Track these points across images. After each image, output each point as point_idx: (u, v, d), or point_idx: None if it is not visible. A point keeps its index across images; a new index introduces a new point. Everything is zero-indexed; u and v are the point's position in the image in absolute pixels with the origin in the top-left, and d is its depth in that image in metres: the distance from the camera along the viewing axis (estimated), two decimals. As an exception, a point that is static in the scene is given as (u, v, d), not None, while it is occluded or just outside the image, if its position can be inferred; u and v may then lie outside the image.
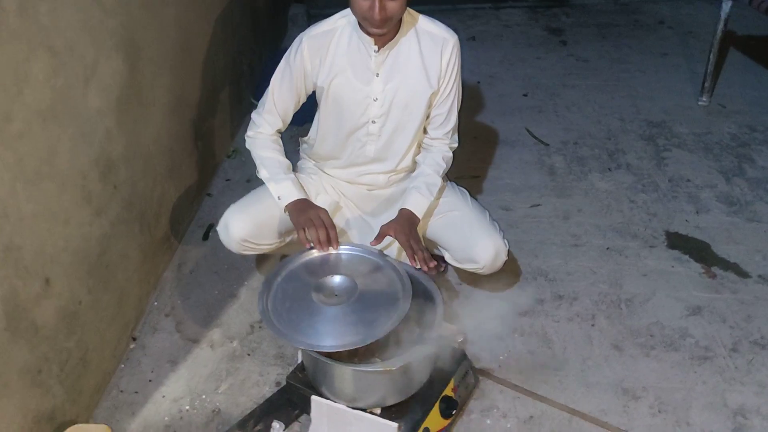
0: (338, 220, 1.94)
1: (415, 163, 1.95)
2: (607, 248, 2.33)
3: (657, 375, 1.85)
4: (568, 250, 2.33)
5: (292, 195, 1.77)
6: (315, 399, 1.59)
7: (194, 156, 2.43)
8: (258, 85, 3.15)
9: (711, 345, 1.93)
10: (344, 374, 1.51)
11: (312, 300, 1.55)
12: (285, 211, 1.77)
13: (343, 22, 1.78)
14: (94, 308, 1.72)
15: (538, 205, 2.57)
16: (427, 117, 1.89)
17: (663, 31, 3.99)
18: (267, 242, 1.86)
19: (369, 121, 1.84)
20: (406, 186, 1.89)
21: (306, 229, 1.69)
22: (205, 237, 2.41)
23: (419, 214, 1.81)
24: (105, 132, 1.74)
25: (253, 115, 1.89)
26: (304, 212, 1.73)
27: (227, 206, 1.86)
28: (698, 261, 2.26)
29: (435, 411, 1.61)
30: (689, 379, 1.83)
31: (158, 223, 2.14)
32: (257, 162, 1.85)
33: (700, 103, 3.21)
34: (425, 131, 1.93)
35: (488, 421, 1.73)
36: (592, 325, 2.01)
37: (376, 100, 1.80)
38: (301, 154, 2.10)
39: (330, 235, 1.68)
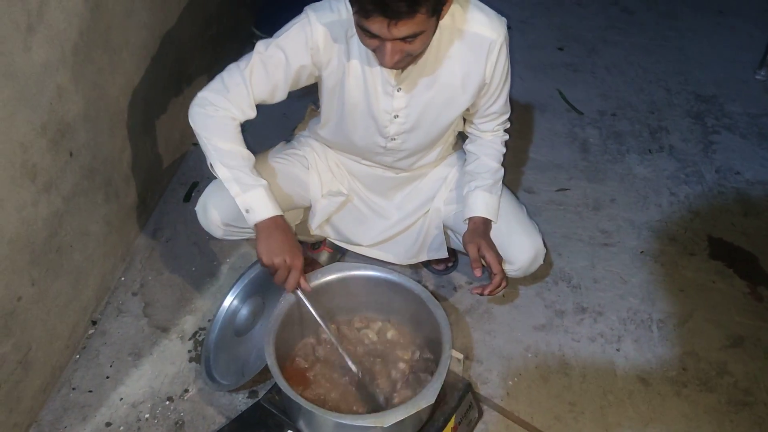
0: (343, 212, 1.69)
1: (447, 152, 1.66)
2: (641, 252, 2.05)
3: (687, 421, 1.60)
4: (597, 250, 2.04)
5: (265, 211, 1.35)
6: (292, 436, 1.36)
7: (176, 103, 2.08)
8: (262, 11, 2.76)
9: (751, 388, 1.68)
10: (325, 422, 1.26)
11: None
12: (252, 228, 1.38)
13: (349, 17, 1.31)
14: (39, 301, 1.45)
15: (566, 189, 2.26)
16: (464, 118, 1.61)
17: (721, -17, 3.55)
18: None
19: (388, 138, 1.51)
20: (465, 182, 1.58)
21: (269, 267, 1.35)
22: (187, 198, 2.11)
23: (494, 218, 1.53)
24: (55, 90, 1.41)
25: (210, 90, 1.40)
26: (270, 239, 1.34)
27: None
28: (743, 278, 1.97)
29: (431, 458, 1.38)
30: (723, 430, 1.59)
31: (128, 187, 1.84)
32: (210, 152, 1.37)
33: (757, 77, 2.85)
34: (470, 122, 1.61)
35: (491, 465, 1.51)
36: (617, 350, 1.76)
37: (396, 117, 1.45)
38: (309, 125, 1.69)
39: (293, 279, 1.34)
